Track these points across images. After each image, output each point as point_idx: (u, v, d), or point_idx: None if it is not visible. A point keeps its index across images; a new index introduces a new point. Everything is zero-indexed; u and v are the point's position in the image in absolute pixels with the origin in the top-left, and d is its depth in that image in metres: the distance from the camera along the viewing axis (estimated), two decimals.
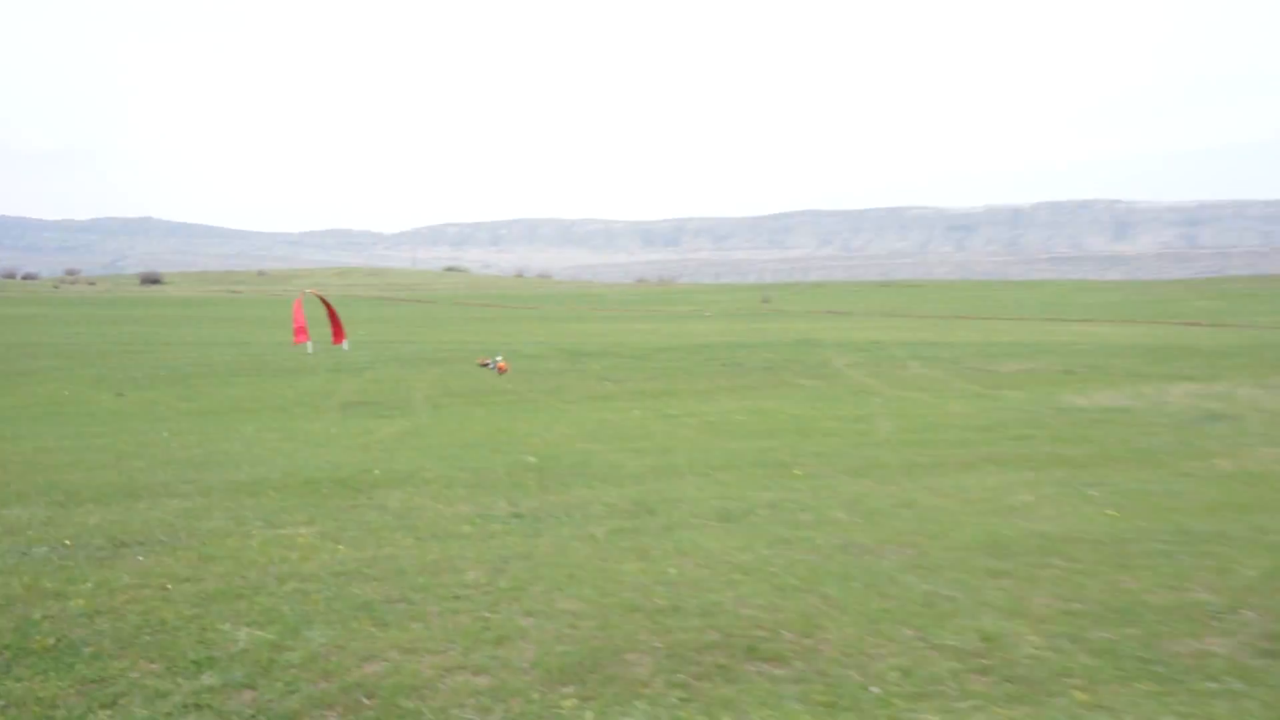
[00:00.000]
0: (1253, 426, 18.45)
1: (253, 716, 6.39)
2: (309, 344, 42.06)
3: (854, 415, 20.91)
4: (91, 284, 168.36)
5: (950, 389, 26.85)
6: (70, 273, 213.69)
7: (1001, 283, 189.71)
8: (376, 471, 14.63)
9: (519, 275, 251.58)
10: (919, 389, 27.04)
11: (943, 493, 12.42)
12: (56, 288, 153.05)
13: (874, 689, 6.66)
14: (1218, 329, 63.02)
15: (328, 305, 48.14)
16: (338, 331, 45.38)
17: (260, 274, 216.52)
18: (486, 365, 34.05)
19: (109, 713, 6.43)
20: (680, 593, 8.31)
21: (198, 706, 6.49)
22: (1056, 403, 22.64)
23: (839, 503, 11.80)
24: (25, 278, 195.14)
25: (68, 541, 10.25)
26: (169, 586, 8.65)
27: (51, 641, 7.43)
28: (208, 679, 6.83)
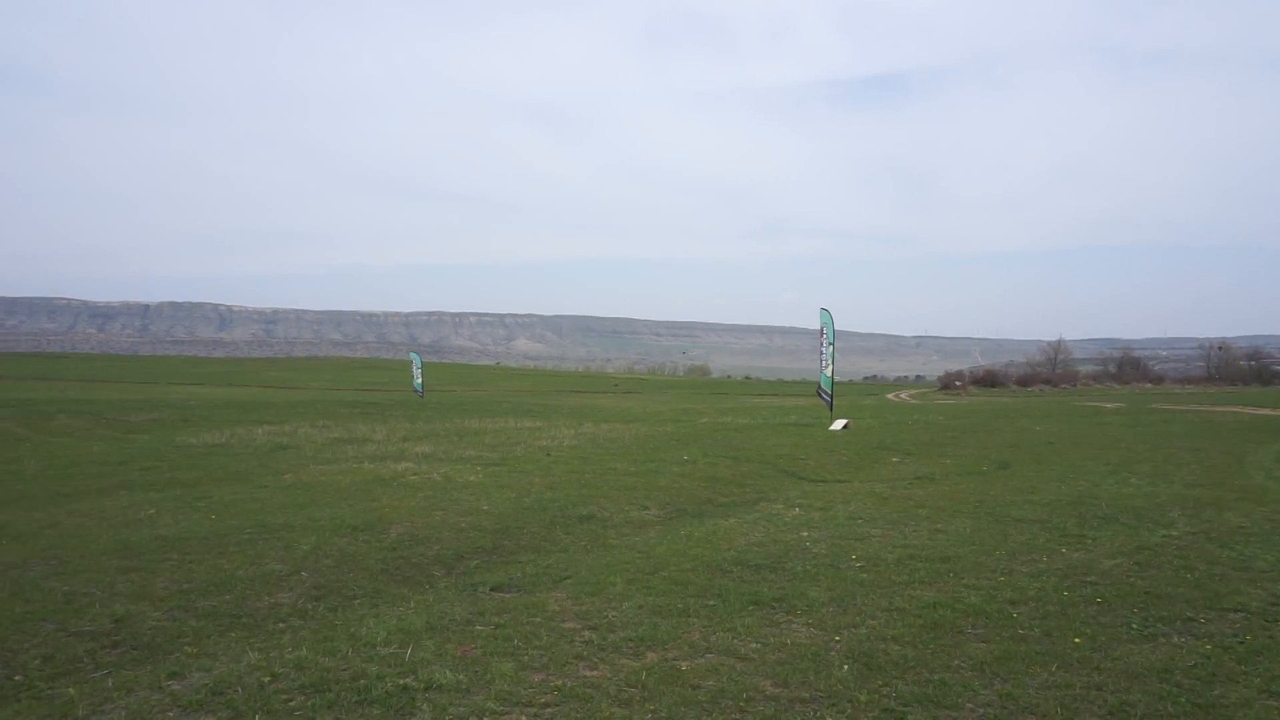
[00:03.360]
0: (307, 452, 18.72)
1: None
2: None
3: (6, 459, 17.09)
4: None
5: (92, 435, 23.24)
6: None
7: (136, 357, 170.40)
8: None
9: None
10: (65, 435, 23.00)
11: (82, 514, 10.67)
12: None
13: (17, 678, 5.44)
14: (287, 390, 63.26)
15: None
16: None
17: None
18: None
19: None
20: None
21: None
22: (175, 441, 20.81)
23: None
24: None
25: None
26: None
27: None
28: None
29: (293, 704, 4.70)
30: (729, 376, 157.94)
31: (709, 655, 5.66)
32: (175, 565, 8.02)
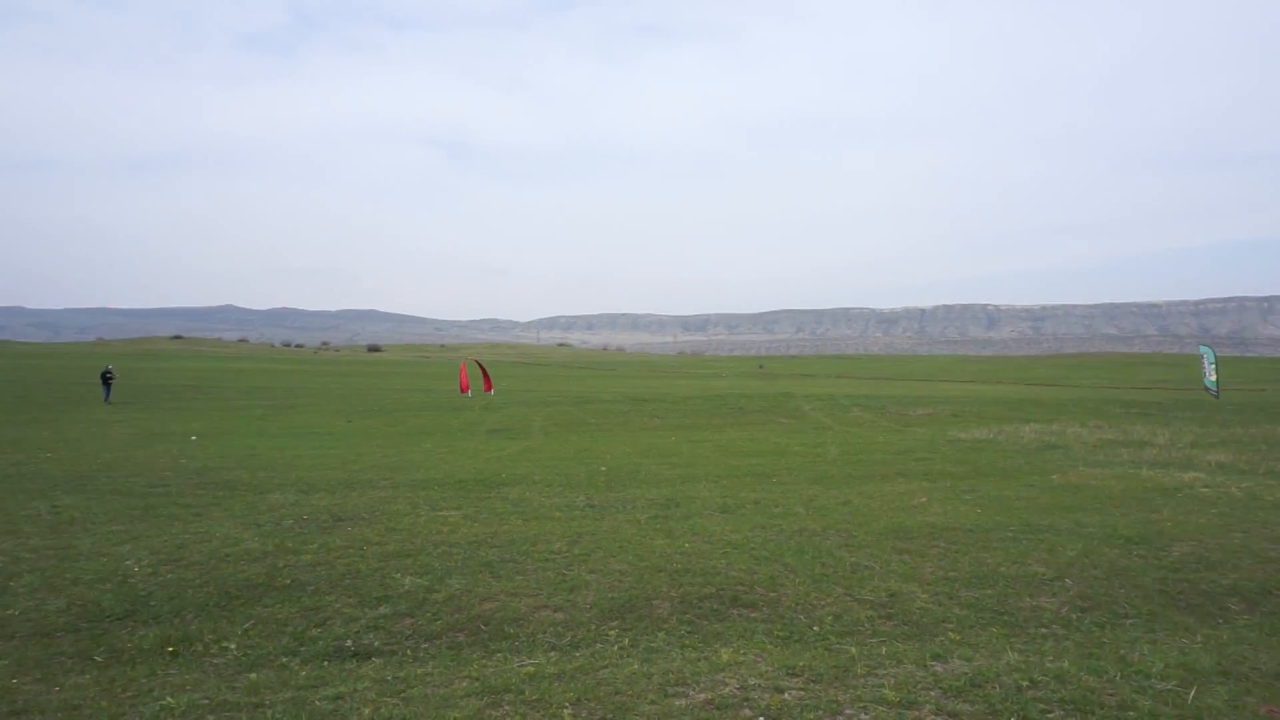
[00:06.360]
0: (1077, 453, 17.88)
1: (410, 635, 6.30)
2: (469, 393, 42.22)
3: (814, 443, 20.52)
4: (336, 351, 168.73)
5: (877, 426, 26.31)
6: (324, 344, 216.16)
7: (913, 357, 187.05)
8: (504, 475, 14.55)
9: (604, 349, 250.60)
10: (857, 426, 26.53)
11: (869, 495, 12.10)
12: (315, 353, 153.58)
13: (815, 628, 6.43)
14: (1054, 388, 61.48)
15: (482, 367, 48.14)
16: (488, 384, 45.28)
17: (441, 347, 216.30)
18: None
19: (319, 630, 6.38)
20: (691, 560, 8.11)
21: (375, 628, 6.42)
22: (947, 436, 22.08)
23: (799, 501, 11.52)
24: (295, 346, 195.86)
25: (305, 516, 10.28)
26: (364, 548, 8.61)
27: (288, 582, 7.40)
28: (383, 609, 6.76)
29: (1050, 716, 4.48)
30: None
31: None
32: (942, 552, 8.46)
